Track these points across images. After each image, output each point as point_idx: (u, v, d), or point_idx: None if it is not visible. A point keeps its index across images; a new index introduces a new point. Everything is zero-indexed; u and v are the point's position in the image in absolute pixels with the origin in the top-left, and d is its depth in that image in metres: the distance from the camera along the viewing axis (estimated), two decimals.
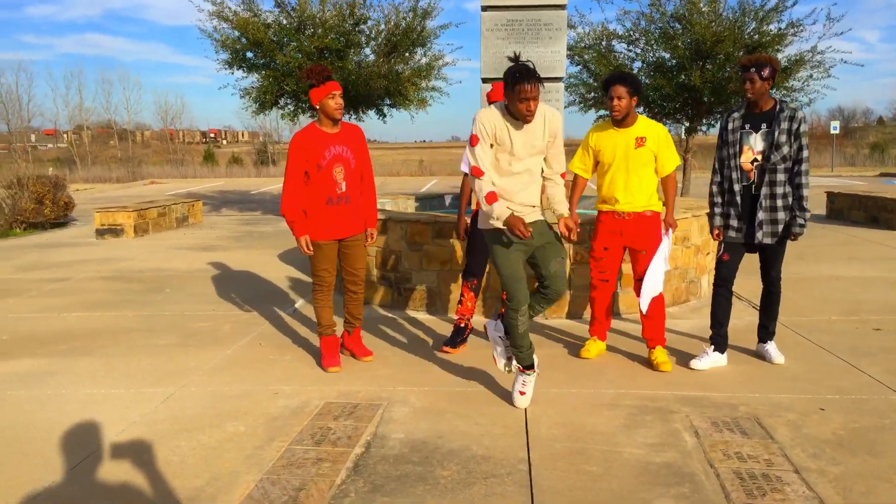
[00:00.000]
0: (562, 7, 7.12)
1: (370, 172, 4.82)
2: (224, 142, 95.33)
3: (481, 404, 4.05)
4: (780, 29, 11.33)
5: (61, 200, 13.61)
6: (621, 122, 4.59)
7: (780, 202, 4.40)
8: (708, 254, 6.78)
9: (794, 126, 4.34)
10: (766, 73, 4.32)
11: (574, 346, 5.13)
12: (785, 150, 4.35)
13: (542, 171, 3.94)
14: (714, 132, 14.41)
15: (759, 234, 4.44)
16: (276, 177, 36.99)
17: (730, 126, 4.53)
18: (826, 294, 6.74)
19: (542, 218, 3.96)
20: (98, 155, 52.11)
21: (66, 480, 3.18)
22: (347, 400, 4.14)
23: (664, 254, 4.63)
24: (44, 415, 3.96)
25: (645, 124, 4.61)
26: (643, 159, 4.57)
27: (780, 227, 4.43)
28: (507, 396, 4.11)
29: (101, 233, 11.71)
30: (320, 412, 3.95)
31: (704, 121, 12.67)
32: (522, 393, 3.99)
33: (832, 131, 34.01)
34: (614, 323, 5.83)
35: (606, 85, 4.58)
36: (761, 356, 4.79)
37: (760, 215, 4.42)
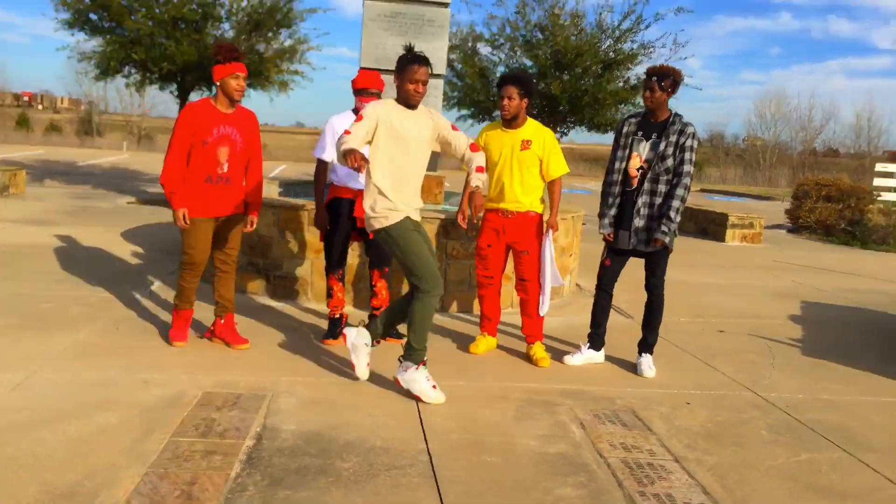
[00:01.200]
0: (445, 5, 7.18)
1: (259, 158, 4.71)
2: (40, 107, 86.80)
3: (371, 396, 3.98)
4: (632, 49, 12.12)
5: None
6: (510, 122, 4.66)
7: (657, 211, 4.50)
8: (571, 255, 7.10)
9: (682, 140, 4.41)
10: (666, 83, 4.40)
11: (460, 339, 5.19)
12: (669, 162, 4.43)
13: (463, 155, 4.20)
14: (564, 140, 15.14)
15: (632, 240, 4.58)
16: (105, 149, 34.33)
17: (624, 130, 4.62)
18: (673, 297, 7.23)
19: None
20: None
21: None
22: (228, 390, 3.91)
23: (551, 254, 4.79)
24: None
25: (533, 128, 4.69)
26: (528, 161, 4.65)
27: (669, 226, 4.48)
28: (395, 387, 4.05)
29: None
30: (200, 402, 3.70)
31: (559, 129, 13.26)
32: (435, 386, 3.96)
33: None
34: None
35: (499, 84, 4.63)
36: (635, 368, 4.79)
37: (636, 222, 4.53)
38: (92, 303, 5.57)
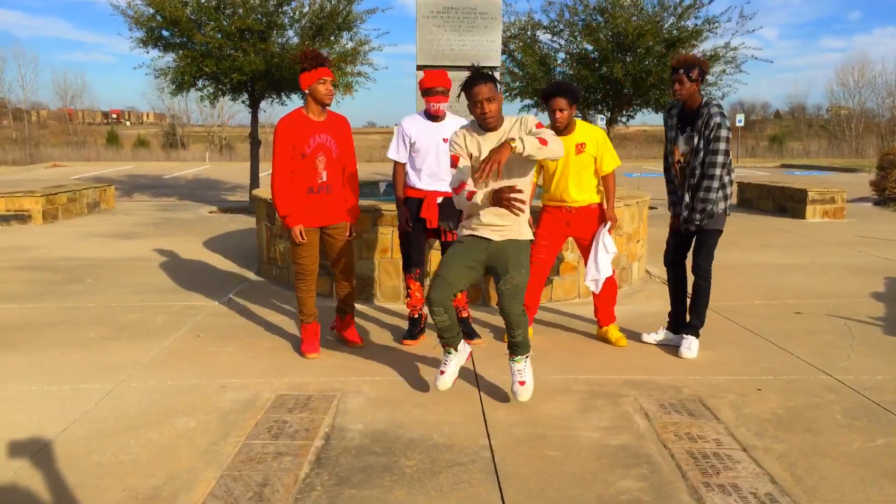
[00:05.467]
0: None
1: (354, 164, 4.79)
2: (128, 123, 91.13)
3: (437, 393, 4.06)
4: (696, 25, 11.76)
5: None
6: (562, 130, 4.75)
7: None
8: (639, 241, 7.01)
9: (707, 132, 4.40)
10: (694, 74, 4.41)
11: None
12: (702, 155, 4.48)
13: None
14: (633, 123, 14.86)
15: (682, 225, 4.68)
16: (188, 161, 35.75)
17: (668, 122, 4.72)
18: (746, 280, 7.09)
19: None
20: None
21: (9, 486, 3.00)
22: (300, 392, 4.07)
23: (602, 241, 4.83)
24: None
25: (584, 130, 4.80)
26: (584, 163, 4.79)
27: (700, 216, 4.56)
28: (461, 385, 4.13)
29: (5, 219, 11.03)
30: (273, 405, 3.87)
31: (625, 112, 13.02)
32: (443, 372, 3.94)
33: (737, 124, 35.51)
34: (553, 309, 5.97)
35: (546, 97, 4.69)
36: (674, 345, 4.85)
37: (683, 213, 4.64)
38: (175, 311, 5.87)
